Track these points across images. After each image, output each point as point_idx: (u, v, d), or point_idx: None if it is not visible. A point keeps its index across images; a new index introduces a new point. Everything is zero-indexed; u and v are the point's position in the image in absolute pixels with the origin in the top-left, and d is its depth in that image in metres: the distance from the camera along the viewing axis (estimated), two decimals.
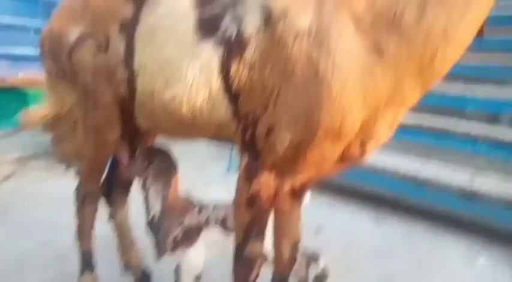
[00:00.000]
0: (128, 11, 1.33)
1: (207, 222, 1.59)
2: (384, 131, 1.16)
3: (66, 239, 2.22)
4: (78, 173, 1.73)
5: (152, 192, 1.58)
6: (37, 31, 3.54)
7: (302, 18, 1.05)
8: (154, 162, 1.60)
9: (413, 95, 1.10)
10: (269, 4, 1.10)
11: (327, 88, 1.03)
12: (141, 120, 1.44)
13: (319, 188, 3.04)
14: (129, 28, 1.32)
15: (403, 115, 1.19)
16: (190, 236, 1.57)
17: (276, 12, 1.08)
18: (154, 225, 1.57)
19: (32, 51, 3.38)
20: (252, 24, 1.12)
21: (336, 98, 1.03)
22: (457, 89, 3.64)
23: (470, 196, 2.76)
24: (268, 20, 1.09)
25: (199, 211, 1.61)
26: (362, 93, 1.04)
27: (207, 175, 3.82)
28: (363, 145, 1.16)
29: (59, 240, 2.36)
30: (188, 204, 1.64)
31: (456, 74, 3.72)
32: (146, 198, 1.61)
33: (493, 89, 3.61)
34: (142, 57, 1.29)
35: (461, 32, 1.00)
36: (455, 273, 2.32)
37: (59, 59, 1.49)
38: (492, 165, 3.75)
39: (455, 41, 1.00)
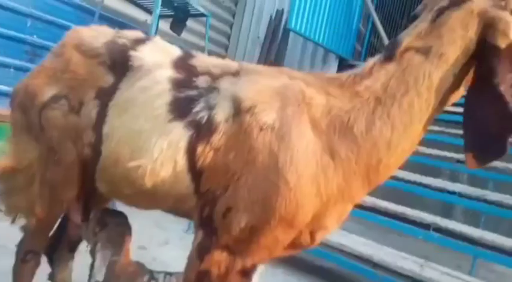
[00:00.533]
0: (107, 80, 1.41)
1: None
2: (333, 223, 1.26)
3: None
4: (25, 228, 1.67)
5: (99, 258, 1.54)
6: (17, 69, 3.58)
7: (268, 114, 1.19)
8: (108, 227, 1.59)
9: (360, 193, 1.24)
10: (240, 97, 1.23)
11: (284, 179, 1.14)
12: (101, 184, 1.46)
13: (274, 260, 3.04)
14: (105, 96, 1.39)
15: (350, 209, 1.31)
16: None
17: (245, 105, 1.21)
18: None
19: (6, 88, 3.40)
20: (222, 113, 1.23)
21: (291, 189, 1.14)
22: (413, 177, 3.88)
23: None
24: (238, 111, 1.22)
25: (148, 280, 1.57)
26: (314, 189, 1.16)
27: (165, 233, 3.73)
28: (312, 234, 1.26)
29: None
30: (138, 271, 1.59)
31: (415, 164, 4.03)
32: (92, 264, 1.56)
33: (445, 182, 3.87)
34: (112, 125, 1.36)
35: (402, 145, 1.17)
36: None
37: (28, 113, 1.52)
38: (442, 254, 3.92)
39: (397, 152, 1.17)
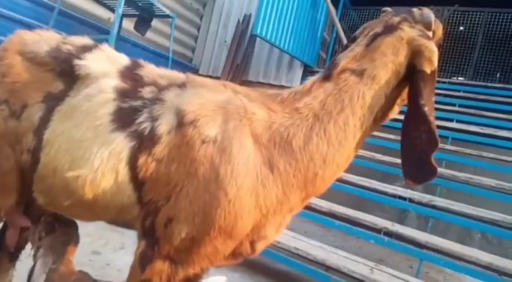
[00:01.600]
0: (56, 86, 1.38)
1: None
2: (272, 233, 1.31)
3: None
4: None
5: (39, 264, 1.49)
6: None
7: (210, 128, 1.22)
8: (54, 233, 1.55)
9: (298, 205, 1.29)
10: (183, 109, 1.25)
11: (224, 191, 1.17)
12: (38, 195, 1.42)
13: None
14: (52, 101, 1.36)
15: (290, 220, 1.36)
16: None
17: (188, 117, 1.23)
18: None
19: None
20: (165, 124, 1.25)
21: (230, 201, 1.17)
22: (367, 183, 4.04)
23: None
24: (181, 123, 1.24)
25: None
26: (254, 200, 1.20)
27: (120, 237, 3.66)
28: (252, 244, 1.30)
29: None
30: (81, 281, 1.56)
31: (370, 169, 4.18)
32: (31, 269, 1.51)
33: (398, 188, 4.05)
34: (54, 131, 1.33)
35: (337, 159, 1.24)
36: None
37: None
38: (396, 257, 4.10)
39: (333, 166, 1.24)
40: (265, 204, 1.21)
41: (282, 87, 6.08)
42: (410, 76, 1.25)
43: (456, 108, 5.51)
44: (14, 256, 1.79)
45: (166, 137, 1.23)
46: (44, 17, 4.34)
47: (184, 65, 6.42)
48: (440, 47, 1.32)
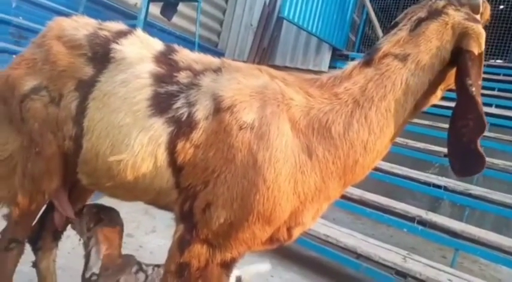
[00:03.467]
0: (86, 72, 1.40)
1: None
2: (309, 220, 1.30)
3: None
4: (8, 217, 1.67)
5: (94, 252, 1.57)
6: (2, 51, 3.50)
7: (247, 113, 1.21)
8: (102, 222, 1.62)
9: (336, 192, 1.27)
10: (220, 95, 1.25)
11: (262, 177, 1.16)
12: (82, 176, 1.47)
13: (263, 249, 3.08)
14: (84, 88, 1.39)
15: (327, 207, 1.35)
16: None
17: (225, 103, 1.23)
18: None
19: None
20: (202, 110, 1.25)
21: (269, 187, 1.16)
22: (400, 170, 3.92)
23: (402, 275, 2.89)
24: (218, 109, 1.23)
25: (137, 271, 1.59)
26: (292, 187, 1.18)
27: (152, 221, 3.74)
28: (289, 230, 1.29)
29: None
30: (126, 263, 1.61)
31: (403, 156, 4.06)
32: (87, 257, 1.59)
33: (431, 176, 3.91)
34: (93, 118, 1.36)
35: (378, 147, 1.21)
36: None
37: (9, 104, 1.52)
38: (428, 246, 3.99)
39: (373, 153, 1.21)
40: (303, 191, 1.20)
41: (309, 71, 5.96)
42: (457, 59, 1.21)
43: (495, 93, 5.24)
44: (56, 236, 1.86)
45: (203, 122, 1.23)
46: (74, 4, 4.39)
47: (210, 49, 6.38)
48: (486, 29, 1.27)
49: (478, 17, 1.25)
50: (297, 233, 1.31)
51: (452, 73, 1.25)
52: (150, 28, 4.65)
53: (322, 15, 5.79)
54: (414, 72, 1.22)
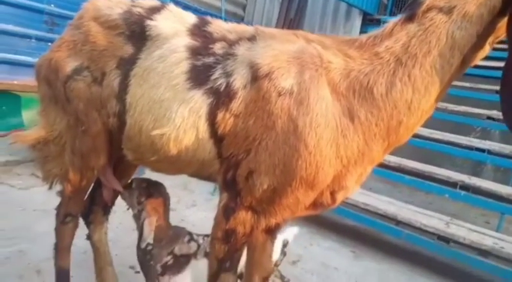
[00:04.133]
0: (127, 50, 1.43)
1: (195, 253, 1.66)
2: (352, 184, 1.29)
3: (43, 251, 2.23)
4: (61, 193, 1.77)
5: (147, 224, 1.66)
6: (38, 39, 3.62)
7: (285, 79, 1.20)
8: (152, 196, 1.70)
9: (380, 155, 1.24)
10: (256, 63, 1.24)
11: (304, 142, 1.16)
12: (127, 152, 1.52)
13: (299, 219, 3.12)
14: (126, 66, 1.42)
15: (370, 170, 1.33)
16: (179, 264, 1.64)
17: (262, 71, 1.22)
18: (147, 254, 1.65)
19: (30, 59, 3.47)
20: (240, 79, 1.25)
21: (311, 152, 1.16)
22: (441, 136, 3.78)
23: (445, 240, 2.85)
24: (255, 77, 1.23)
25: (189, 241, 1.67)
26: (334, 151, 1.17)
27: (192, 195, 3.87)
28: (333, 195, 1.29)
29: (35, 251, 2.37)
30: (178, 234, 1.69)
31: (443, 121, 3.90)
32: (140, 229, 1.69)
33: (477, 139, 3.75)
34: (135, 94, 1.39)
35: (423, 106, 1.16)
36: None
37: (53, 86, 1.57)
38: (472, 209, 3.88)
39: (417, 113, 1.17)
40: (346, 154, 1.19)
41: None
42: (508, 7, 1.11)
43: None
44: (106, 211, 1.97)
45: (242, 92, 1.23)
46: None
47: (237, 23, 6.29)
48: None
49: None
50: (340, 197, 1.31)
51: (502, 24, 1.16)
52: (176, 5, 4.63)
53: None
54: (461, 24, 1.14)
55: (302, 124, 1.16)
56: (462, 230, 2.88)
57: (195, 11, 5.43)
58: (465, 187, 3.21)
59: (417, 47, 1.16)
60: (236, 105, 1.24)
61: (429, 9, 1.18)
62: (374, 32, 1.27)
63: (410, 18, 1.20)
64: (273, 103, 1.19)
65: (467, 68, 1.24)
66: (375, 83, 1.17)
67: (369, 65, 1.19)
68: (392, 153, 3.61)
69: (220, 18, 4.79)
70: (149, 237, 1.63)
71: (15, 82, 3.81)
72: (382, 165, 3.53)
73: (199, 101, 1.28)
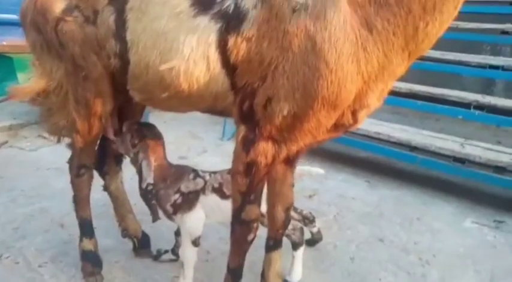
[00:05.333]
0: None
1: (203, 189, 1.63)
2: (374, 101, 1.22)
3: (63, 206, 2.27)
4: (71, 145, 1.73)
5: (144, 166, 1.62)
6: None
7: None
8: (145, 137, 1.65)
9: (400, 68, 1.16)
10: None
11: (324, 60, 1.08)
12: (134, 92, 1.45)
13: (314, 153, 3.11)
14: (119, 1, 1.31)
15: (391, 86, 1.26)
16: (188, 200, 1.63)
17: None
18: (148, 194, 1.63)
19: (15, 16, 3.27)
20: None
21: (332, 69, 1.08)
22: (452, 56, 3.63)
23: (461, 161, 2.84)
24: None
25: (194, 177, 1.64)
26: (355, 66, 1.09)
27: (201, 142, 3.85)
28: (354, 114, 1.23)
29: (56, 207, 2.41)
30: (183, 171, 1.67)
31: (451, 41, 3.73)
32: (139, 171, 1.65)
33: (487, 57, 3.60)
34: (135, 30, 1.29)
35: (439, 6, 1.04)
36: (443, 233, 2.44)
37: (43, 31, 1.47)
38: (483, 131, 3.84)
39: (434, 15, 1.04)
40: (366, 69, 1.11)
41: None
42: None
43: None
44: (118, 160, 1.94)
45: (252, 12, 1.14)
46: None
47: None
48: None
49: None
50: (363, 116, 1.25)
51: None
52: None
53: None
54: None
55: (320, 40, 1.07)
56: (477, 150, 2.86)
57: None
58: (480, 107, 3.13)
59: None
60: (248, 27, 1.14)
61: None
62: None
63: None
64: (288, 21, 1.09)
65: None
66: None
67: None
68: (401, 80, 3.52)
69: None
70: (149, 177, 1.61)
71: (4, 43, 3.64)
72: (393, 93, 3.43)
73: (207, 28, 1.18)
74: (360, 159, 3.52)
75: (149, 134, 1.67)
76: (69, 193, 1.81)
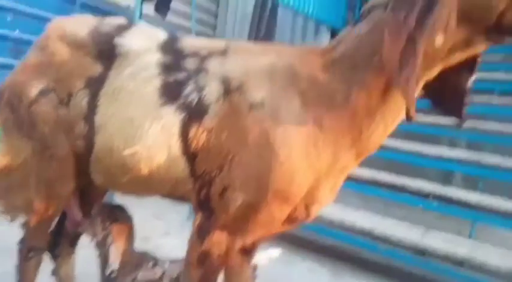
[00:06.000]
0: (95, 69, 1.38)
1: (161, 278, 1.57)
2: (326, 196, 1.27)
3: None
4: (25, 226, 1.66)
5: (112, 250, 1.57)
6: (3, 67, 3.47)
7: (256, 92, 1.19)
8: (118, 220, 1.62)
9: (350, 165, 1.23)
10: (228, 76, 1.23)
11: (276, 154, 1.14)
12: (96, 176, 1.45)
13: (277, 240, 3.06)
14: (95, 85, 1.37)
15: (343, 181, 1.31)
16: None
17: (234, 84, 1.21)
18: (111, 281, 1.56)
19: None
20: (212, 93, 1.23)
21: (283, 163, 1.14)
22: (412, 147, 3.86)
23: (421, 252, 2.87)
24: (227, 90, 1.22)
25: (153, 266, 1.59)
26: (306, 161, 1.16)
27: (165, 223, 3.74)
28: (307, 208, 1.26)
29: None
30: (142, 258, 1.61)
31: (411, 133, 4.01)
32: (105, 255, 1.59)
33: (445, 149, 3.85)
34: (104, 114, 1.34)
35: (382, 110, 1.13)
36: None
37: (17, 110, 1.49)
38: (442, 222, 3.95)
39: (376, 117, 1.13)
40: (317, 165, 1.17)
41: None
42: None
43: (501, 56, 5.01)
44: (73, 242, 1.86)
45: (214, 106, 1.22)
46: (68, 11, 4.36)
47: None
48: None
49: None
50: (315, 210, 1.28)
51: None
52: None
53: None
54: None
55: (274, 136, 1.14)
56: (437, 241, 2.91)
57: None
58: (438, 197, 3.27)
59: (365, 47, 1.13)
60: (208, 119, 1.21)
61: (372, 7, 1.16)
62: (334, 39, 1.28)
63: (359, 20, 1.20)
64: (245, 116, 1.17)
65: (432, 64, 1.08)
66: (336, 90, 1.16)
67: (331, 73, 1.17)
68: (366, 166, 3.68)
69: None
70: (115, 263, 1.55)
71: None
72: (357, 179, 3.55)
73: (171, 118, 1.25)
74: (326, 247, 3.47)
75: (121, 217, 1.64)
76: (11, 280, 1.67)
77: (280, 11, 6.15)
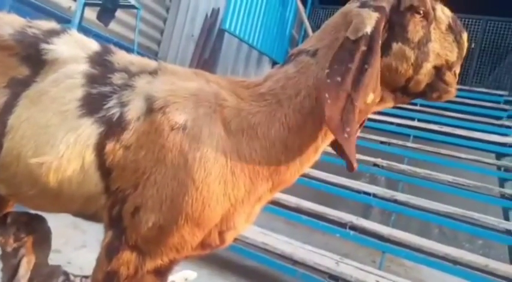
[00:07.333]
0: (21, 72, 1.31)
1: None
2: (241, 223, 1.28)
3: None
4: None
5: (24, 263, 1.45)
6: None
7: (179, 114, 1.19)
8: (33, 232, 1.51)
9: (266, 194, 1.28)
10: (153, 96, 1.22)
11: (191, 177, 1.15)
12: (1, 186, 1.34)
13: (198, 260, 3.04)
14: (18, 87, 1.29)
15: (259, 211, 1.35)
16: None
17: (157, 104, 1.21)
18: None
19: None
20: (134, 110, 1.21)
21: (198, 187, 1.15)
22: (335, 179, 4.13)
23: (335, 278, 3.02)
24: (150, 109, 1.21)
25: (64, 281, 1.49)
26: (222, 188, 1.18)
27: (82, 236, 3.51)
28: (221, 235, 1.27)
29: None
30: (52, 273, 1.52)
31: (337, 166, 4.26)
32: (15, 268, 1.46)
33: (362, 184, 4.17)
34: (19, 116, 1.26)
35: (298, 144, 1.21)
36: None
37: None
38: (360, 251, 4.21)
39: (294, 153, 1.21)
40: (233, 192, 1.19)
41: None
42: None
43: (418, 108, 5.74)
44: None
45: (135, 123, 1.20)
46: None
47: (150, 58, 6.25)
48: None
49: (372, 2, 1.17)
50: (229, 237, 1.29)
51: None
52: (85, 33, 4.44)
53: (263, 29, 5.99)
54: (324, 65, 1.17)
55: (192, 159, 1.15)
56: (350, 268, 3.08)
57: (106, 41, 5.26)
58: (354, 227, 3.50)
59: (291, 87, 1.22)
60: (127, 136, 1.19)
61: (300, 52, 1.27)
62: (263, 74, 1.35)
63: (287, 61, 1.30)
64: (165, 137, 1.17)
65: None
66: (259, 123, 1.21)
67: (256, 106, 1.24)
68: (292, 194, 3.84)
69: (133, 51, 4.73)
70: (24, 278, 1.43)
71: None
72: (283, 206, 3.69)
73: (88, 130, 1.21)
74: (249, 268, 3.50)
75: (39, 229, 1.52)
76: None
77: (227, 37, 6.34)
